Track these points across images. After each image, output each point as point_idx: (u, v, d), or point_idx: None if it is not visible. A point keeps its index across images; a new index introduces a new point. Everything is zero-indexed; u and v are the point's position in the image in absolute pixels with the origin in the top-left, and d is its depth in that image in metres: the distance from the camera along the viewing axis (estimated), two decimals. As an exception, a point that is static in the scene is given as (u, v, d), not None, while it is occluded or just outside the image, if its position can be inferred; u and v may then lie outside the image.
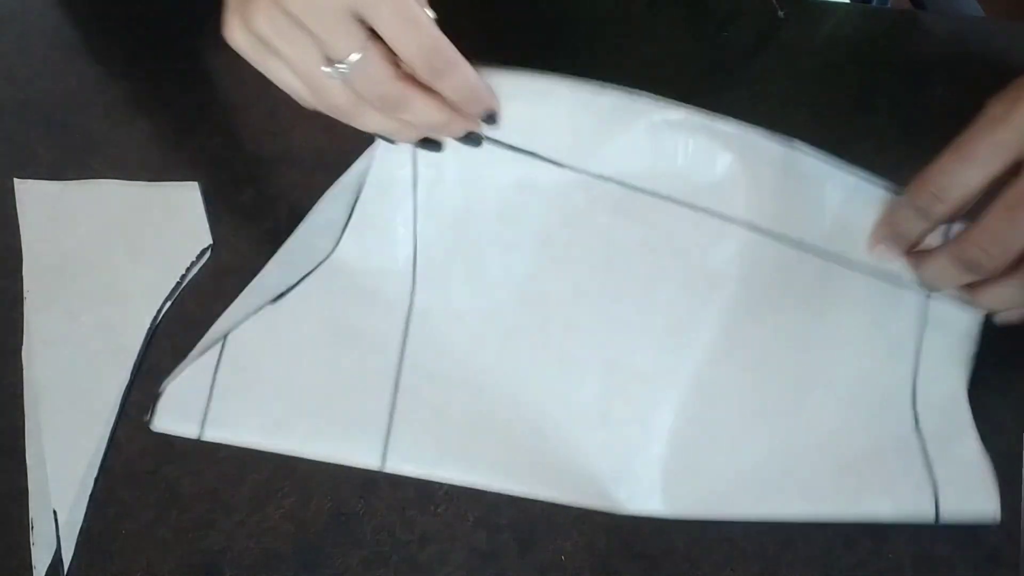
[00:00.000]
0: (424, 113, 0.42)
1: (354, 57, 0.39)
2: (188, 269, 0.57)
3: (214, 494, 0.48)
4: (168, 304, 0.55)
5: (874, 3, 0.89)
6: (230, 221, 0.59)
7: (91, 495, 0.48)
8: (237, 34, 0.43)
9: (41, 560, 0.46)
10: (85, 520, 0.47)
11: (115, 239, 0.58)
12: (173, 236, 0.58)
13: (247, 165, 0.62)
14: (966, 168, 0.41)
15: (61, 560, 0.46)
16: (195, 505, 0.48)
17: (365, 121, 0.44)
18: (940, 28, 0.73)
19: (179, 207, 0.60)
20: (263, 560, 0.46)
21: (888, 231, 0.46)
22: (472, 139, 0.47)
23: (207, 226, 0.59)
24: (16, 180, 0.61)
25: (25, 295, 0.56)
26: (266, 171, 0.62)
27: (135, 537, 0.47)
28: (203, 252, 0.58)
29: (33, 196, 0.61)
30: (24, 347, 0.53)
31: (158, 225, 0.59)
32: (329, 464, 0.49)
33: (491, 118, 0.45)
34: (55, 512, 0.47)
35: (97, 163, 0.63)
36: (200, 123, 0.65)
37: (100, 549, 0.47)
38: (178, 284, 0.56)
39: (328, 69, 0.40)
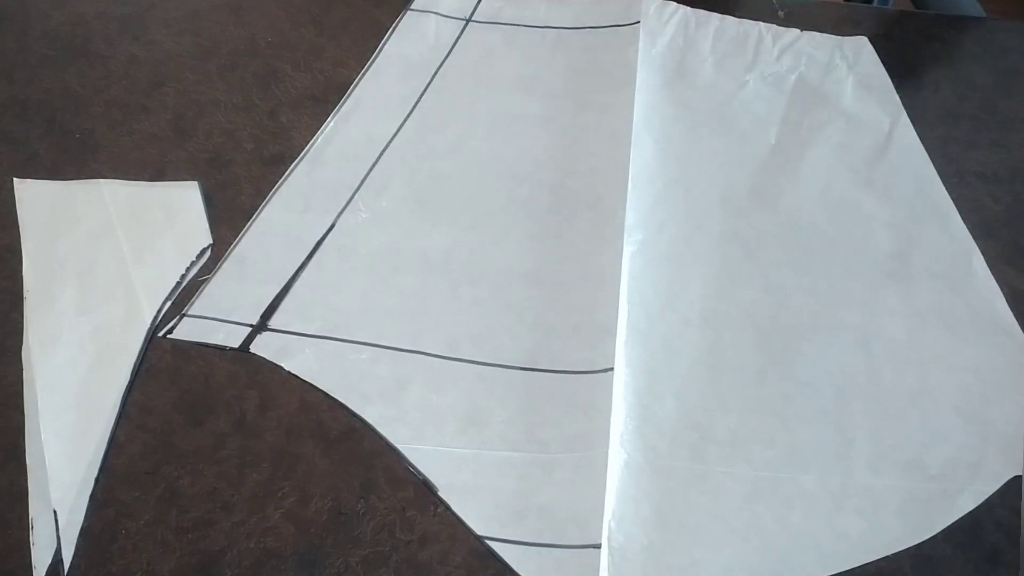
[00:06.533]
0: None
1: None
2: (188, 269, 0.57)
3: (214, 494, 0.48)
4: (168, 304, 0.55)
5: (874, 3, 0.89)
6: (230, 221, 0.59)
7: (91, 495, 0.48)
8: None
9: (41, 560, 0.46)
10: (85, 520, 0.47)
11: (115, 239, 0.58)
12: (173, 236, 0.58)
13: (247, 165, 0.62)
14: None
15: (61, 560, 0.46)
16: (195, 505, 0.48)
17: None
18: (940, 28, 0.73)
19: (179, 207, 0.60)
20: (263, 560, 0.46)
21: None
22: None
23: (207, 226, 0.59)
24: (16, 180, 0.61)
25: (25, 295, 0.56)
26: (266, 171, 0.62)
27: (135, 537, 0.47)
28: (203, 252, 0.57)
29: (33, 196, 0.61)
30: (24, 347, 0.53)
31: (158, 225, 0.59)
32: (329, 464, 0.49)
33: None
34: (55, 512, 0.47)
35: (97, 163, 0.63)
36: (200, 123, 0.65)
37: (100, 549, 0.47)
38: (178, 284, 0.56)
39: None
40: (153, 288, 0.56)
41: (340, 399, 0.51)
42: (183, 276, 0.56)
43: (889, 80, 0.67)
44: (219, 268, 0.56)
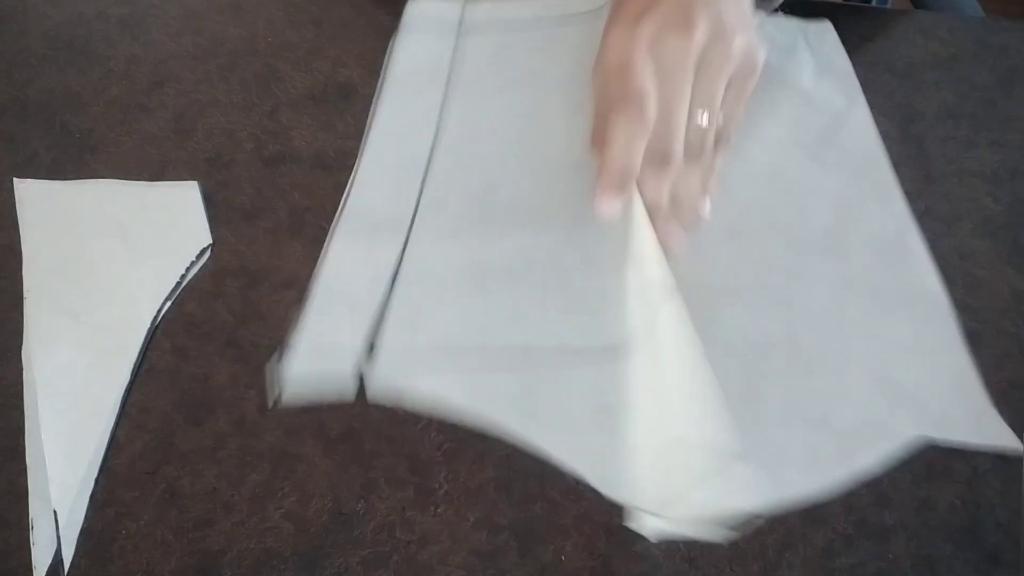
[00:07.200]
0: None
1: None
2: (188, 269, 0.57)
3: (214, 494, 0.48)
4: (168, 304, 0.55)
5: (874, 3, 0.89)
6: (230, 221, 0.59)
7: (91, 495, 0.48)
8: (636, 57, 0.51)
9: (41, 560, 0.46)
10: (85, 520, 0.47)
11: (115, 239, 0.58)
12: (173, 236, 0.58)
13: (247, 165, 0.62)
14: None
15: (61, 560, 0.46)
16: (195, 505, 0.48)
17: None
18: (940, 28, 0.73)
19: (179, 207, 0.60)
20: (263, 560, 0.46)
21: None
22: None
23: (207, 226, 0.59)
24: (16, 180, 0.61)
25: (25, 295, 0.56)
26: (266, 171, 0.62)
27: (135, 537, 0.47)
28: (203, 252, 0.58)
29: (33, 196, 0.61)
30: (24, 347, 0.53)
31: (158, 225, 0.59)
32: (329, 464, 0.49)
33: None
34: (55, 512, 0.47)
35: (97, 163, 0.63)
36: (200, 123, 0.65)
37: (100, 549, 0.47)
38: (178, 284, 0.56)
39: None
40: (153, 288, 0.56)
41: (478, 427, 0.50)
42: (183, 276, 0.56)
43: (850, 64, 0.67)
44: (303, 322, 0.54)
